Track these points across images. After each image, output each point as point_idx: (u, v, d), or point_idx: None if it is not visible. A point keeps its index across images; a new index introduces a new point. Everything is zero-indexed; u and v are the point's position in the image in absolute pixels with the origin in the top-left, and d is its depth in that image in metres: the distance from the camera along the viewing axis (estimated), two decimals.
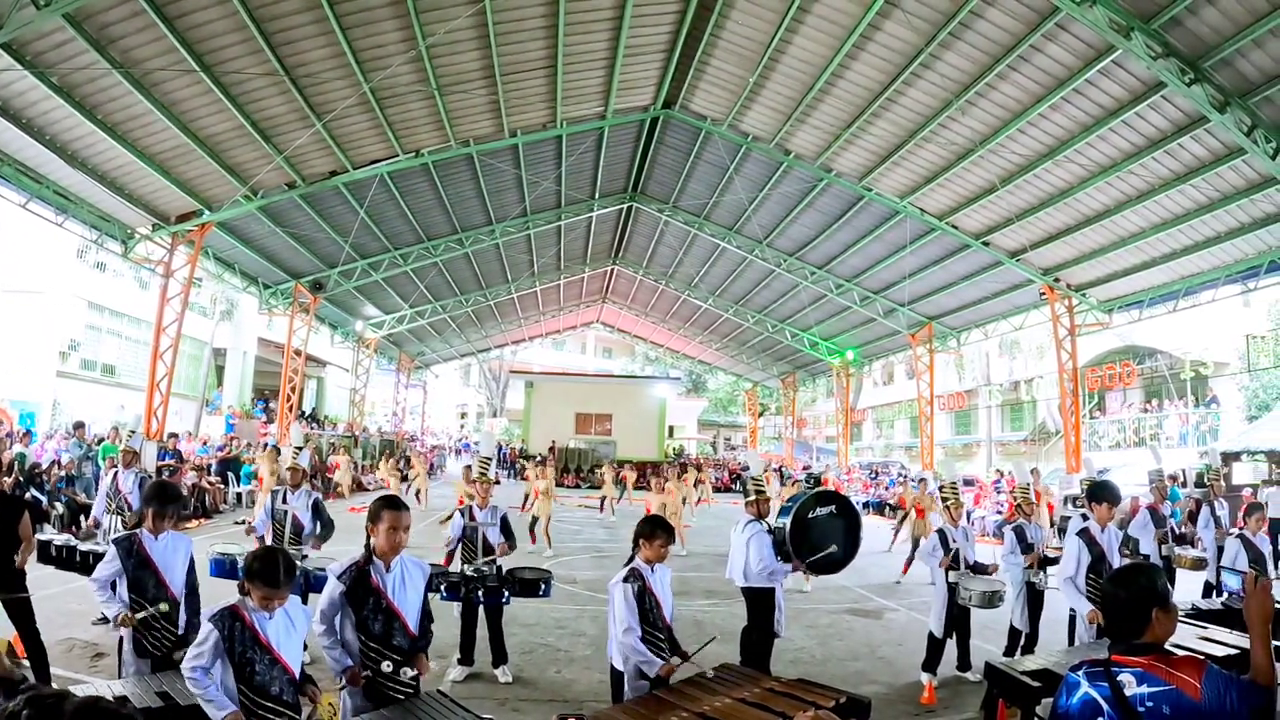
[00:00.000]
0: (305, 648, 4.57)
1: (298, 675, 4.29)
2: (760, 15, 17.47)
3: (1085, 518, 8.88)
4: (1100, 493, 7.93)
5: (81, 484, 18.08)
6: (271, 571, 4.19)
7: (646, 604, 5.43)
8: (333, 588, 4.65)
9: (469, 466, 17.62)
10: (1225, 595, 8.98)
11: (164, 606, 5.33)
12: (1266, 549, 9.52)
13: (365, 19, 15.40)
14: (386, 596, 4.65)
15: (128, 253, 21.52)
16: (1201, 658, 3.06)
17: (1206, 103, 14.66)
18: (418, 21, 15.49)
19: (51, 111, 15.79)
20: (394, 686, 4.59)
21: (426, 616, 4.90)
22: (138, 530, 5.66)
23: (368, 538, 4.77)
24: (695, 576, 14.48)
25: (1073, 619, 8.38)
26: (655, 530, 5.62)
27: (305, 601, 5.00)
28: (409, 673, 4.65)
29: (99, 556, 7.89)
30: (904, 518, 18.99)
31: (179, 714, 4.42)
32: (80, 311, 28.25)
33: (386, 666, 4.54)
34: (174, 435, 22.93)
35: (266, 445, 23.98)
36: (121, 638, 5.61)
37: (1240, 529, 9.66)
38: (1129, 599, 3.18)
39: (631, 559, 5.65)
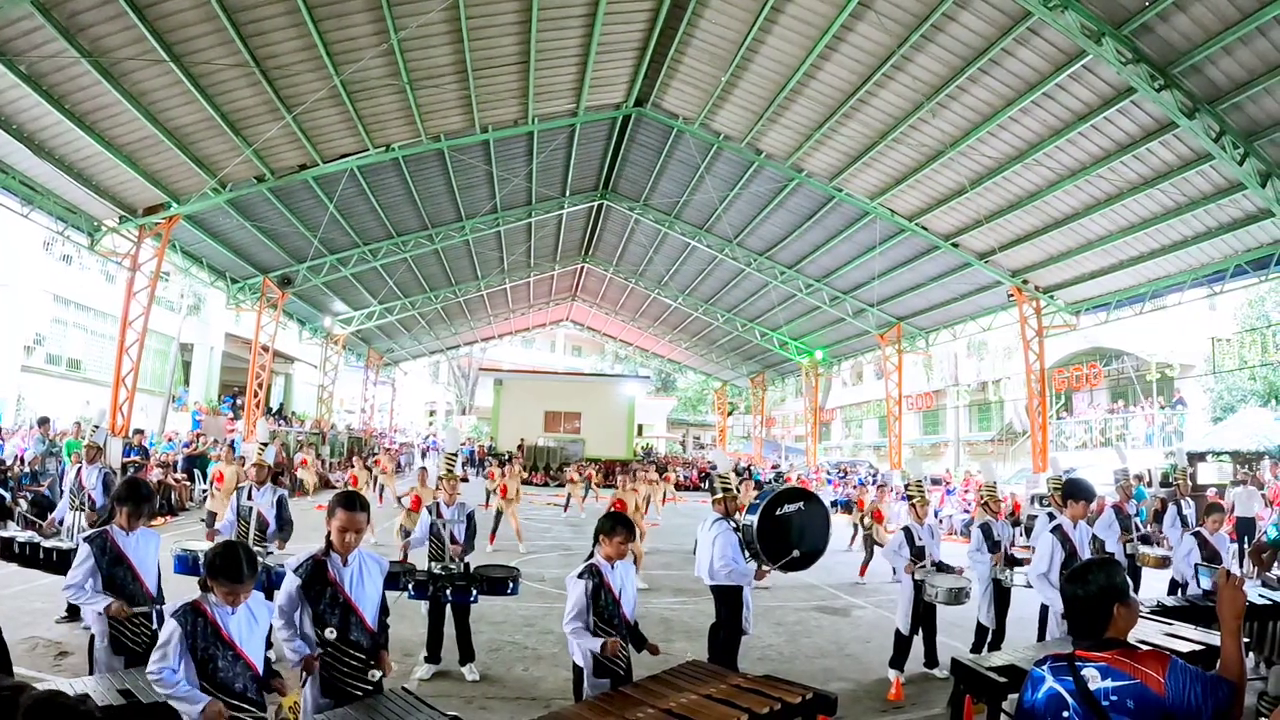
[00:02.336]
0: (270, 645, 4.52)
1: (261, 671, 4.25)
2: (733, 14, 17.50)
3: (1051, 516, 8.95)
4: (1074, 490, 8.03)
5: (45, 480, 17.87)
6: (234, 566, 4.13)
7: (602, 600, 5.42)
8: (290, 582, 4.61)
9: (424, 469, 17.55)
10: (1191, 590, 9.08)
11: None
12: (1224, 548, 9.63)
13: (337, 11, 15.30)
14: (344, 591, 4.61)
15: (94, 245, 21.29)
16: (1166, 652, 3.08)
17: (1175, 108, 14.82)
18: (390, 15, 15.40)
19: (18, 100, 15.58)
20: (355, 683, 4.56)
21: (384, 612, 4.87)
22: (108, 527, 5.59)
23: (328, 532, 4.74)
24: (663, 575, 14.49)
25: (1043, 615, 8.45)
26: (615, 527, 5.59)
27: (270, 599, 4.95)
28: (376, 674, 4.63)
29: (62, 554, 7.82)
30: (861, 519, 18.93)
31: (141, 712, 4.37)
32: (46, 305, 27.96)
33: (330, 634, 4.52)
34: (140, 431, 22.69)
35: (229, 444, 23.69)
36: (93, 635, 5.55)
37: (1200, 527, 9.77)
38: (1089, 595, 3.21)
39: (591, 555, 5.64)
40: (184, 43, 15.01)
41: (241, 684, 4.13)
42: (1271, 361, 27.84)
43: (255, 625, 4.29)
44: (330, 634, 4.53)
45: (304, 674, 4.46)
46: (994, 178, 19.87)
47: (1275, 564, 12.17)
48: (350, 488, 18.72)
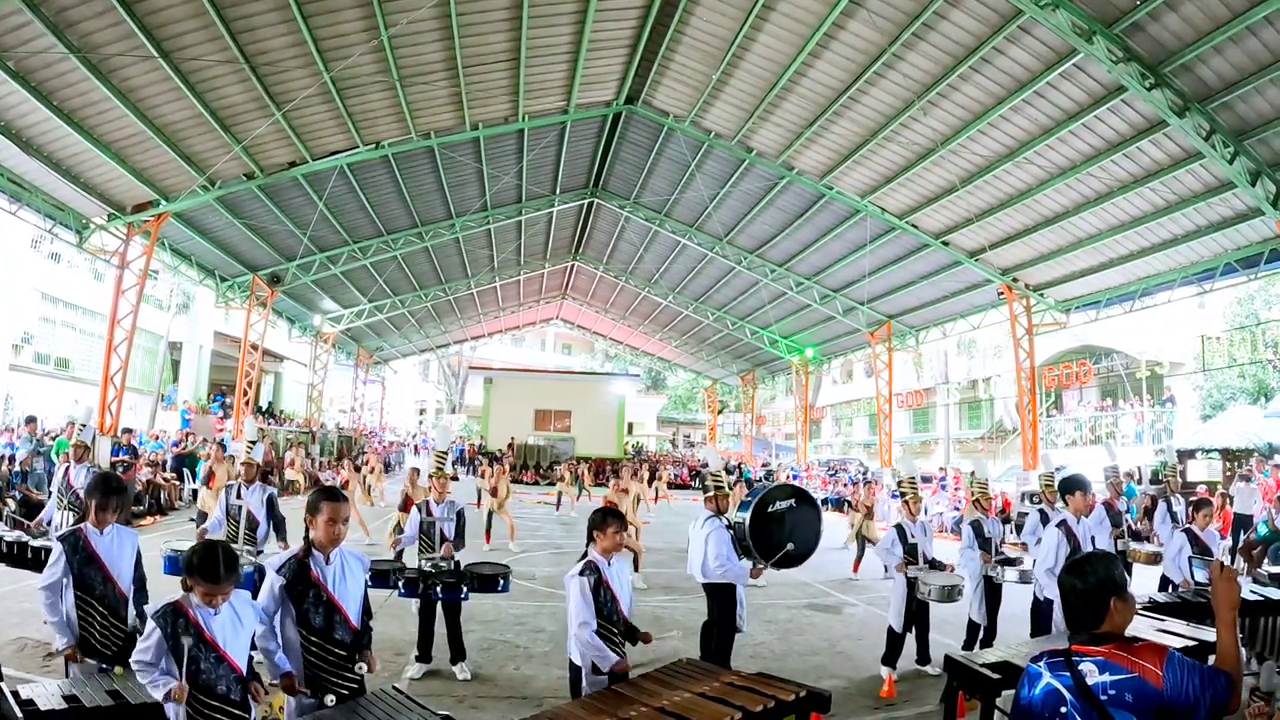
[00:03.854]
0: (254, 646, 4.48)
1: (245, 672, 4.19)
2: (724, 12, 17.49)
3: (1043, 513, 8.95)
4: (1072, 484, 8.05)
5: (34, 479, 17.77)
6: (211, 566, 4.07)
7: (602, 597, 5.38)
8: (272, 581, 4.55)
9: (416, 470, 17.47)
10: (1184, 586, 9.07)
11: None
12: (1215, 544, 9.63)
13: (327, 7, 15.23)
14: (327, 589, 4.57)
15: (83, 243, 21.16)
16: (1163, 645, 3.06)
17: (1166, 107, 14.83)
18: (380, 11, 15.35)
19: (6, 97, 15.46)
20: (340, 684, 4.53)
21: (366, 612, 4.84)
22: (82, 525, 5.51)
23: (306, 530, 4.70)
24: (655, 573, 14.43)
25: (1045, 611, 8.41)
26: (606, 519, 5.57)
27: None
28: (362, 667, 4.60)
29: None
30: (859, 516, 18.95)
31: (129, 713, 4.35)
32: (34, 303, 27.80)
33: (330, 700, 4.45)
34: (129, 430, 22.59)
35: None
36: None
37: (1190, 524, 9.78)
38: (1086, 589, 3.18)
39: (586, 552, 5.61)
40: (173, 39, 14.93)
41: (225, 685, 4.07)
42: (1260, 359, 27.96)
43: (240, 626, 4.22)
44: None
45: (284, 692, 4.44)
46: (984, 176, 19.88)
47: (1266, 560, 12.20)
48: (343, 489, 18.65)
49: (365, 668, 4.61)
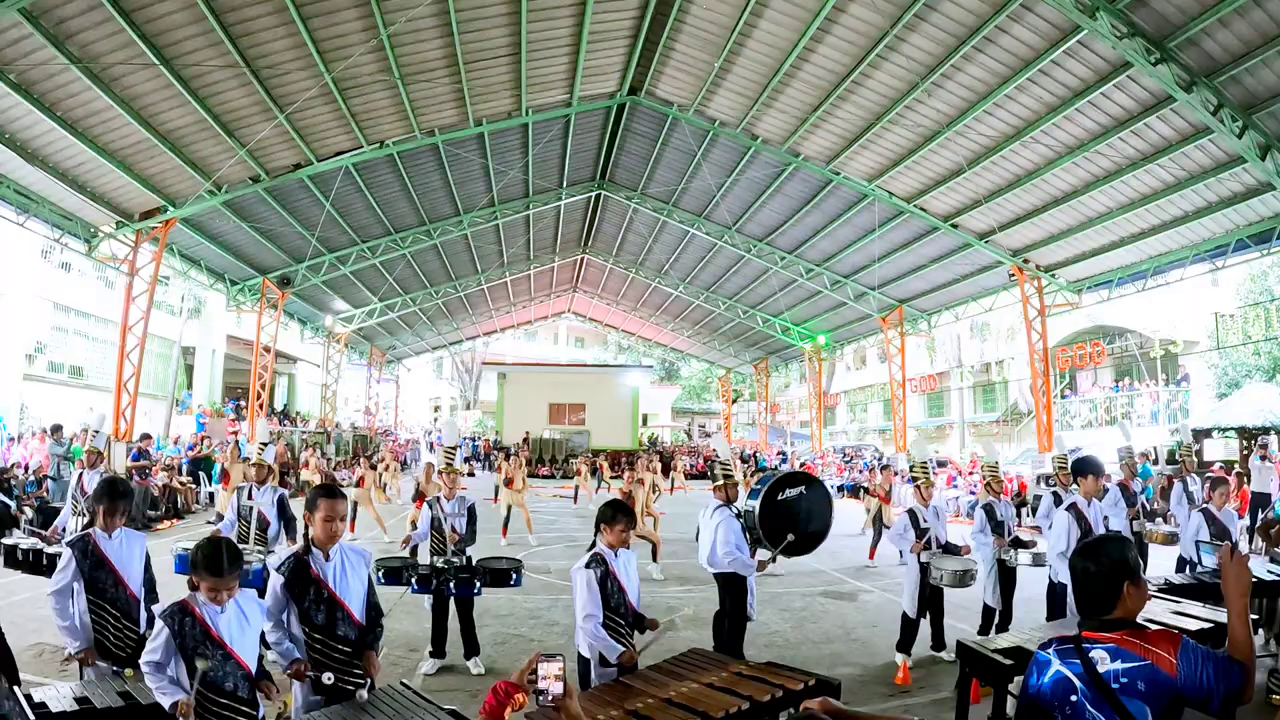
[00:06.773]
0: (265, 645, 4.47)
1: (253, 670, 4.19)
2: None
3: (1056, 495, 8.89)
4: (1084, 467, 7.99)
5: (59, 486, 17.79)
6: (215, 560, 4.08)
7: (609, 589, 5.37)
8: (274, 580, 4.57)
9: (430, 464, 17.49)
10: (1200, 569, 9.00)
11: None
12: (1232, 523, 9.56)
13: (325, 8, 15.25)
14: (328, 586, 4.57)
15: (91, 251, 21.29)
16: (1176, 632, 3.00)
17: (1172, 82, 14.74)
18: (378, 10, 15.36)
19: (10, 109, 15.56)
20: (346, 681, 4.50)
21: (374, 607, 4.82)
22: (90, 530, 5.52)
23: (306, 528, 4.69)
24: (667, 563, 14.37)
25: (1059, 595, 8.37)
26: (616, 514, 5.55)
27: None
28: (363, 695, 4.49)
29: None
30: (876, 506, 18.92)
31: (140, 714, 4.35)
32: (46, 313, 27.89)
33: (327, 679, 4.41)
34: (146, 436, 22.66)
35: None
36: None
37: (1206, 503, 9.70)
38: (1099, 573, 3.09)
39: (594, 544, 5.59)
40: (173, 45, 14.98)
41: (232, 683, 4.08)
42: (1275, 336, 27.75)
43: (247, 625, 4.23)
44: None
45: (293, 681, 4.43)
46: (991, 157, 19.78)
47: None
48: (357, 487, 18.79)
49: (365, 694, 4.53)
